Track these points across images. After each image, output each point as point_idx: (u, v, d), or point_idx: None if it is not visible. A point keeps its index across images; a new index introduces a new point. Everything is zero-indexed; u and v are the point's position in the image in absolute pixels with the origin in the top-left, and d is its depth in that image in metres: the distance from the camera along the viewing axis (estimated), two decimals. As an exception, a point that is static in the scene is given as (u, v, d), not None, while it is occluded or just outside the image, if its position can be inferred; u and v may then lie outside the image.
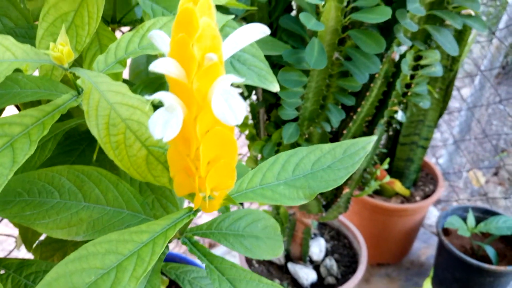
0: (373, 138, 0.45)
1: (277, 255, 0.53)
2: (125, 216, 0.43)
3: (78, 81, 0.37)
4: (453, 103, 2.74)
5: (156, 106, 0.31)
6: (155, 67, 0.25)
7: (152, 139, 0.35)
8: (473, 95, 1.94)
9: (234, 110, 0.25)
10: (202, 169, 0.30)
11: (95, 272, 0.31)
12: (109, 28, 0.51)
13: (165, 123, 0.25)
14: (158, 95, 0.25)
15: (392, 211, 1.29)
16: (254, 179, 0.41)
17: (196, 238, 0.48)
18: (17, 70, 0.33)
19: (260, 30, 0.28)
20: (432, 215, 1.73)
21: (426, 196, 1.33)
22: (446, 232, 1.31)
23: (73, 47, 0.43)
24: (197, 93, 0.27)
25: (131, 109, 0.34)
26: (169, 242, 0.46)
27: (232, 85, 0.27)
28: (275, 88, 0.42)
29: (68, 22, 0.44)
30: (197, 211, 0.37)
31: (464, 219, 1.27)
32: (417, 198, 1.32)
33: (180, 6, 0.26)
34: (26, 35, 0.50)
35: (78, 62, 0.55)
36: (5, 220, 1.39)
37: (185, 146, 0.30)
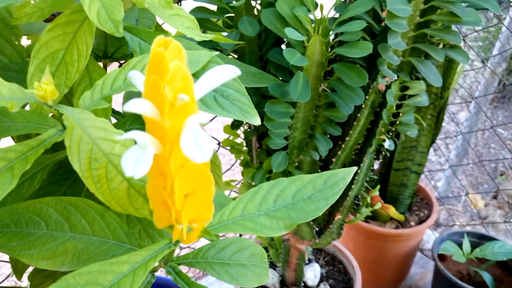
0: (353, 169, 0.46)
1: (264, 282, 0.54)
2: (111, 246, 0.44)
3: (64, 117, 0.39)
4: (451, 127, 2.76)
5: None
6: (130, 107, 0.27)
7: (132, 173, 0.36)
8: (469, 119, 1.96)
9: (202, 148, 0.26)
10: (178, 202, 0.31)
11: (73, 304, 0.32)
12: (99, 64, 0.53)
13: (136, 161, 0.27)
14: (131, 134, 0.26)
15: (387, 236, 1.28)
16: (235, 210, 0.42)
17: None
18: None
19: (232, 71, 0.30)
20: (431, 239, 1.72)
21: (421, 221, 1.33)
22: (442, 257, 1.30)
23: (63, 83, 0.45)
24: (170, 131, 0.28)
25: (113, 143, 0.36)
26: (155, 271, 0.47)
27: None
28: (256, 122, 0.44)
29: (59, 60, 0.47)
30: (177, 242, 0.38)
31: (460, 245, 1.27)
32: (412, 223, 1.32)
33: (151, 50, 0.27)
34: (20, 70, 0.52)
35: (70, 95, 0.57)
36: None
37: (162, 180, 0.31)
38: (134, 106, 0.27)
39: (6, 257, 1.47)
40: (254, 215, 0.42)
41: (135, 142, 0.31)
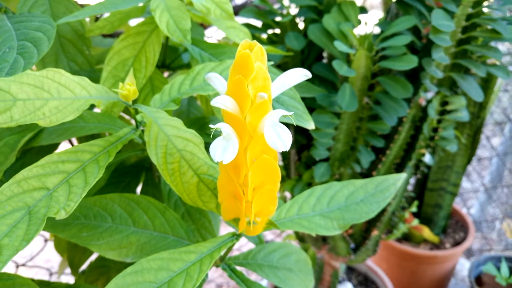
0: (403, 175, 0.48)
1: (309, 288, 0.55)
2: (170, 242, 0.47)
3: (138, 116, 0.42)
4: (483, 152, 2.71)
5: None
6: (216, 102, 0.29)
7: (203, 168, 0.39)
8: (503, 143, 1.93)
9: (283, 138, 0.29)
10: (249, 193, 0.34)
11: (148, 285, 0.35)
12: (160, 72, 0.57)
13: (224, 149, 0.29)
14: (219, 125, 0.29)
15: (421, 258, 1.27)
16: (291, 210, 0.44)
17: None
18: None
19: (303, 74, 0.33)
20: (465, 267, 1.68)
21: (457, 243, 1.30)
22: (479, 282, 1.27)
23: (132, 87, 0.49)
24: (249, 125, 0.31)
25: (185, 141, 0.39)
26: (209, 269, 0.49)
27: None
28: (311, 126, 0.46)
29: (128, 66, 0.51)
30: (239, 235, 0.41)
31: (498, 269, 1.24)
32: (447, 245, 1.30)
33: (238, 51, 0.30)
34: (89, 77, 0.57)
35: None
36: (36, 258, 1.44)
37: (234, 173, 0.34)
38: (219, 102, 0.29)
39: (41, 262, 1.52)
40: (310, 215, 0.44)
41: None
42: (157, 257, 0.37)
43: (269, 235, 1.78)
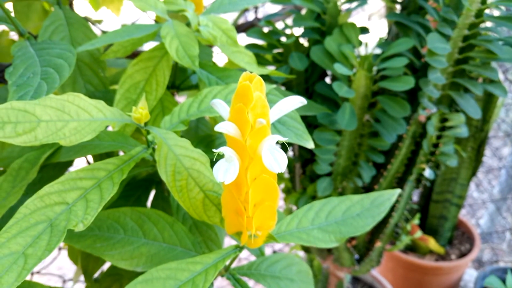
0: (397, 191, 0.51)
1: (310, 299, 0.58)
2: (179, 253, 0.50)
3: (149, 137, 0.46)
4: (494, 162, 2.70)
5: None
6: (220, 128, 0.33)
7: (208, 185, 0.42)
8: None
9: (278, 160, 0.32)
10: (250, 209, 0.37)
11: (158, 293, 0.38)
12: (170, 93, 0.61)
13: (226, 170, 0.33)
14: (221, 149, 0.32)
15: (427, 269, 1.28)
16: (291, 223, 0.47)
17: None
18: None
19: (299, 101, 0.36)
20: (473, 279, 1.68)
21: (462, 255, 1.31)
22: (485, 294, 1.28)
23: (144, 108, 0.52)
24: (249, 148, 0.34)
25: (192, 160, 0.42)
26: (214, 278, 0.52)
27: (277, 143, 0.34)
28: (310, 145, 0.49)
29: (140, 89, 0.54)
30: (242, 248, 0.44)
31: (504, 281, 1.24)
32: (453, 256, 1.31)
33: (239, 82, 0.34)
34: (103, 98, 0.61)
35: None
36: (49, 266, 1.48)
37: (236, 191, 0.37)
38: (223, 127, 0.33)
39: (54, 270, 1.56)
40: (308, 229, 0.47)
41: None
42: (165, 267, 0.40)
43: (278, 245, 1.81)
